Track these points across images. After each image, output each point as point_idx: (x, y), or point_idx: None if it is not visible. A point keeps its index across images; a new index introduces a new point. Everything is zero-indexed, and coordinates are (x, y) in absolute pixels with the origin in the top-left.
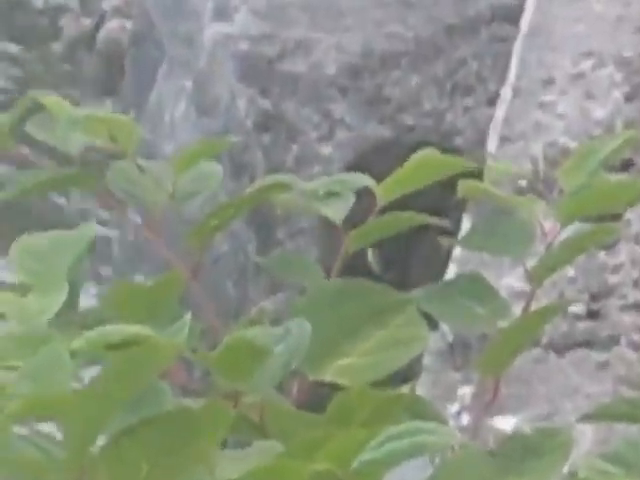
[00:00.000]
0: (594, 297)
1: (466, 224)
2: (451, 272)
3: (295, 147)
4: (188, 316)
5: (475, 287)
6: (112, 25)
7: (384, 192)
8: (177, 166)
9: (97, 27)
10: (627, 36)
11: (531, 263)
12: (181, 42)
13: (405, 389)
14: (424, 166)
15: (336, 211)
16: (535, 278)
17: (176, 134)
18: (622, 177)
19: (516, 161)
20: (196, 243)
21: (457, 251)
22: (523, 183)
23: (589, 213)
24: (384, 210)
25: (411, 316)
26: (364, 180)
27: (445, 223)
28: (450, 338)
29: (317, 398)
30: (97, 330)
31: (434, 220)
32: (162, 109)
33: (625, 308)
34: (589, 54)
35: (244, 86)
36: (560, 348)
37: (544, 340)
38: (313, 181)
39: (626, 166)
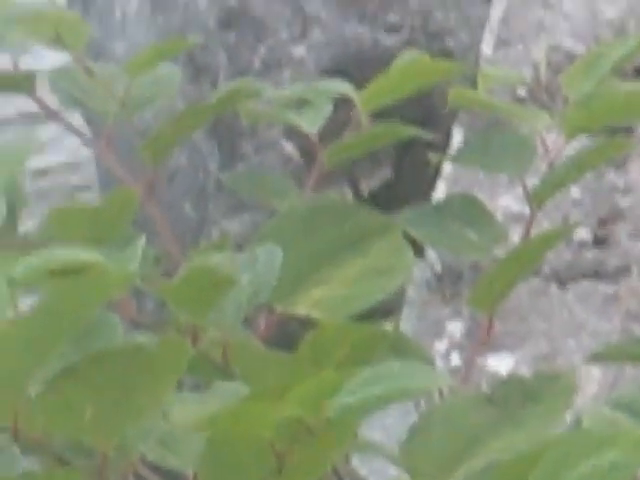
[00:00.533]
0: (602, 222)
1: (457, 138)
2: (440, 192)
3: (263, 48)
4: (141, 240)
5: (467, 209)
6: None
7: (365, 101)
8: (130, 70)
9: None
10: None
11: (531, 182)
12: None
13: (387, 324)
14: (410, 72)
15: (311, 122)
16: (536, 199)
17: (128, 32)
18: (635, 84)
19: (515, 66)
20: (150, 157)
21: (447, 168)
22: (523, 92)
23: (597, 125)
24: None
25: (395, 242)
26: (342, 87)
27: (433, 136)
28: (438, 267)
29: (287, 334)
30: (38, 254)
31: (421, 132)
32: (112, 3)
33: (637, 235)
34: None
35: None
36: (563, 279)
37: (545, 270)
38: (284, 87)
39: (639, 72)
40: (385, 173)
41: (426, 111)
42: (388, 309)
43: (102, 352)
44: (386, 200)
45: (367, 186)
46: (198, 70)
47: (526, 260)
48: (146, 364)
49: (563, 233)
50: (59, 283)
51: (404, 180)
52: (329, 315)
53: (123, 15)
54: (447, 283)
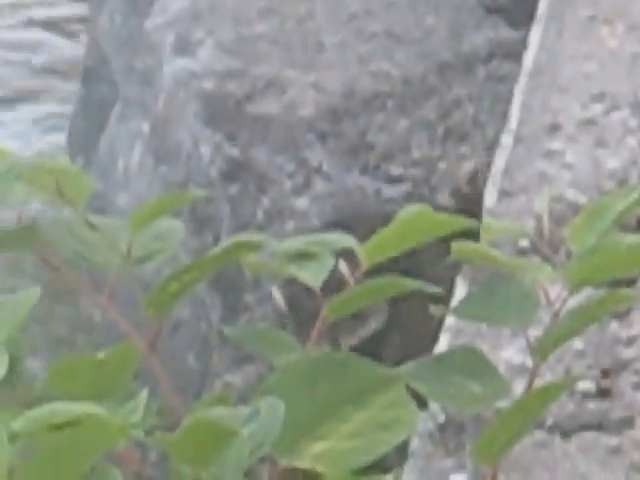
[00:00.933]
0: (605, 373)
1: (460, 290)
2: (443, 344)
3: (266, 200)
4: (144, 393)
5: (470, 362)
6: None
7: (368, 254)
8: (133, 223)
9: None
10: None
11: (534, 334)
12: (137, 80)
13: (390, 477)
14: (413, 225)
15: (314, 275)
16: (539, 352)
17: (131, 184)
18: (637, 237)
19: (518, 218)
20: (154, 311)
21: (450, 320)
22: (525, 243)
23: (600, 278)
24: (368, 273)
25: (397, 395)
26: (346, 240)
27: (436, 289)
28: (441, 419)
29: None
30: (40, 408)
31: (424, 286)
32: (115, 156)
33: None
34: (601, 96)
35: (209, 130)
36: (566, 431)
37: (548, 422)
38: (287, 240)
39: None
40: (368, 330)
41: (419, 262)
42: (392, 461)
43: None
44: (377, 352)
45: (346, 345)
46: (201, 222)
47: (529, 412)
48: None
49: (566, 385)
50: (57, 435)
51: (400, 331)
52: (332, 468)
53: (126, 167)
54: (450, 434)
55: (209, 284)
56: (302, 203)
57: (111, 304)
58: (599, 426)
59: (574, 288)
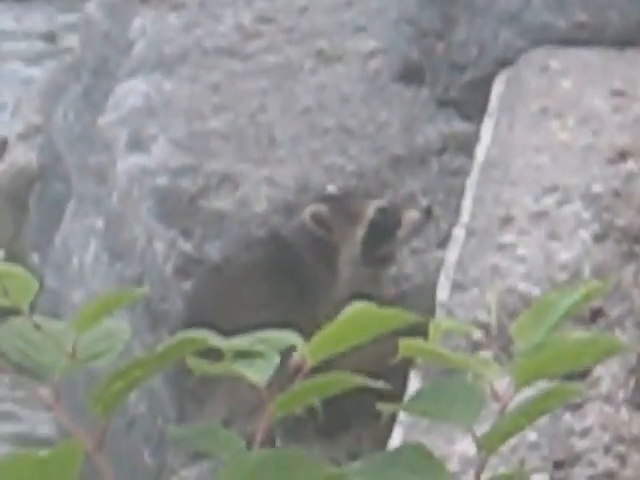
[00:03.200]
0: (559, 465)
1: (414, 383)
2: (397, 438)
3: None
4: None
5: (418, 459)
6: (15, 156)
7: (313, 352)
8: (78, 323)
9: None
10: (596, 168)
11: (484, 429)
12: (91, 177)
13: None
14: (359, 321)
15: (259, 373)
16: (486, 446)
17: (86, 281)
18: (585, 332)
19: (470, 311)
20: (100, 410)
21: (403, 414)
22: (479, 336)
23: (548, 374)
24: (315, 369)
25: None
26: (290, 338)
27: (386, 385)
28: None
29: None
30: None
31: (371, 382)
32: (70, 252)
33: (594, 478)
34: (553, 189)
35: (163, 226)
36: None
37: None
38: (233, 338)
39: (595, 316)
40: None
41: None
42: None
43: None
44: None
45: None
46: (156, 318)
47: None
48: None
49: (513, 478)
50: None
51: (358, 426)
52: None
53: (81, 264)
54: None
55: (165, 379)
56: None
57: (57, 404)
58: None
59: (522, 383)
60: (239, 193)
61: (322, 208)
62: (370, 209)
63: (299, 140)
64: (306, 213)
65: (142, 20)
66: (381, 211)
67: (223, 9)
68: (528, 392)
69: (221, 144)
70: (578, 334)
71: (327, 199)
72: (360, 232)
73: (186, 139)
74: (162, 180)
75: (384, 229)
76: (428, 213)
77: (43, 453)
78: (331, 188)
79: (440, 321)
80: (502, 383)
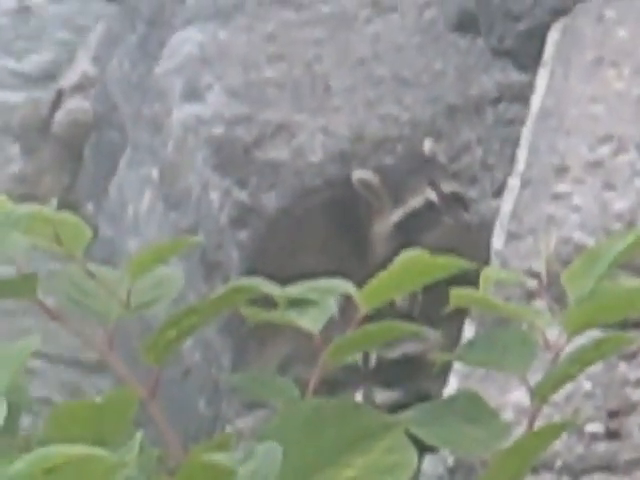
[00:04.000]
0: (614, 414)
1: (468, 332)
2: (452, 387)
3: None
4: (139, 435)
5: (471, 407)
6: (71, 106)
7: (366, 299)
8: (131, 271)
9: (54, 108)
10: None
11: (536, 378)
12: (146, 126)
13: None
14: (411, 269)
15: (313, 322)
16: (539, 394)
17: (141, 230)
18: (636, 281)
19: (525, 260)
20: (153, 358)
21: (457, 364)
22: (534, 285)
23: (599, 323)
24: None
25: (397, 440)
26: (344, 286)
27: (437, 335)
28: (450, 461)
29: None
30: (37, 452)
31: (421, 330)
32: (125, 202)
33: None
34: (608, 138)
35: (218, 176)
36: (576, 472)
37: (557, 463)
38: (288, 286)
39: None
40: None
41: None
42: None
43: None
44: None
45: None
46: (211, 268)
47: (527, 453)
48: None
49: (566, 426)
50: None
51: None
52: None
53: (135, 213)
54: (460, 477)
55: (219, 330)
56: None
57: (111, 351)
58: (608, 467)
59: (572, 332)
60: (294, 143)
61: (369, 175)
62: (419, 198)
63: (354, 90)
64: (355, 175)
65: None
66: (428, 205)
67: None
68: (581, 341)
69: (276, 94)
70: (629, 282)
71: (381, 170)
72: (397, 214)
73: (241, 88)
74: (217, 129)
75: (421, 222)
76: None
77: (98, 399)
78: (428, 144)
79: (490, 271)
80: (554, 332)
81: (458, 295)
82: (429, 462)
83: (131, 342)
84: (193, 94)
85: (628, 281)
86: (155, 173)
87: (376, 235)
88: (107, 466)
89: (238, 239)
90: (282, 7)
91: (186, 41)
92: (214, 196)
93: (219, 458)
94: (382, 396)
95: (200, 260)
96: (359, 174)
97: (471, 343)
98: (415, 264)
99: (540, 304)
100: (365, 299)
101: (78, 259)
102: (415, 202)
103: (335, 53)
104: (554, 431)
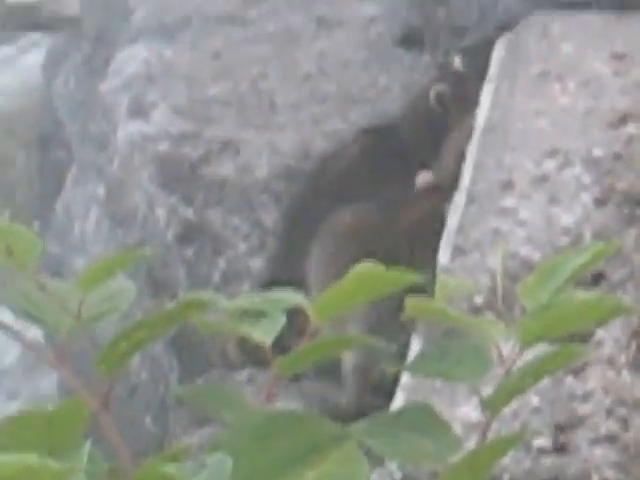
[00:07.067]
0: (561, 428)
1: (415, 346)
2: (399, 401)
3: (222, 261)
4: (87, 444)
5: (423, 420)
6: None
7: (318, 312)
8: (82, 284)
9: None
10: (597, 132)
11: (489, 391)
12: (92, 143)
13: None
14: (364, 282)
15: (264, 333)
16: (490, 407)
17: (87, 248)
18: (590, 294)
19: (472, 275)
20: (105, 370)
21: (405, 378)
22: (480, 300)
23: (553, 335)
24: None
25: (349, 452)
26: (295, 298)
27: (389, 346)
28: (398, 475)
29: None
30: None
31: (374, 342)
32: (71, 220)
33: (596, 441)
34: (554, 153)
35: (164, 193)
36: None
37: (505, 477)
38: (238, 298)
39: (597, 279)
40: None
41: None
42: None
43: None
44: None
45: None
46: (157, 285)
47: (477, 467)
48: None
49: (516, 440)
50: None
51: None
52: None
53: (82, 231)
54: None
55: (166, 346)
56: (258, 263)
57: (63, 364)
58: None
59: (526, 344)
60: (240, 159)
61: (444, 86)
62: None
63: (300, 106)
64: (433, 91)
65: None
66: None
67: None
68: (532, 354)
69: (222, 110)
70: (583, 295)
71: (449, 76)
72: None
73: (187, 105)
74: (163, 146)
75: None
76: None
77: (48, 409)
78: (457, 62)
79: (447, 280)
80: (507, 345)
81: (413, 305)
82: (377, 476)
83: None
84: (139, 111)
85: (580, 294)
86: (101, 191)
87: (450, 149)
88: (53, 474)
89: (184, 256)
90: (227, 24)
91: (131, 58)
92: (160, 213)
93: (170, 470)
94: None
95: (147, 277)
96: (437, 87)
97: (423, 354)
98: (368, 278)
99: (490, 317)
100: (317, 312)
101: (29, 271)
102: None
103: (281, 70)
104: (504, 445)
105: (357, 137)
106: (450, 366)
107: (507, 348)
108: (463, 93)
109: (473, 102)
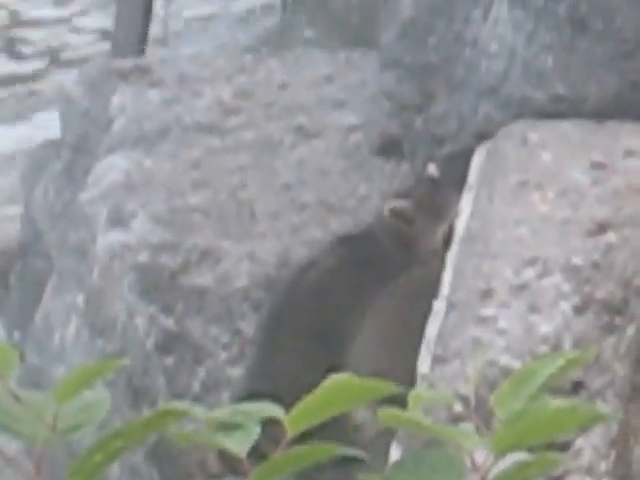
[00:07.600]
0: None
1: (394, 455)
2: None
3: (202, 370)
4: None
5: None
6: None
7: (293, 423)
8: (59, 395)
9: None
10: (576, 240)
11: None
12: (71, 253)
13: None
14: (338, 392)
15: (239, 444)
16: None
17: (67, 357)
18: (565, 402)
19: (452, 383)
20: None
21: None
22: (459, 408)
23: (527, 443)
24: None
25: None
26: (271, 410)
27: (361, 454)
28: None
29: None
30: None
31: (350, 451)
32: (51, 329)
33: None
34: (533, 261)
35: (143, 302)
36: None
37: None
38: (214, 409)
39: (576, 388)
40: None
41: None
42: None
43: None
44: None
45: None
46: (137, 394)
47: None
48: None
49: None
50: None
51: None
52: None
53: (62, 340)
54: None
55: (145, 455)
56: (237, 373)
57: (39, 475)
58: None
59: (500, 453)
60: (219, 268)
61: (402, 203)
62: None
63: (279, 215)
64: (386, 208)
65: (122, 97)
66: None
67: (202, 85)
68: (506, 463)
69: (201, 220)
70: (558, 403)
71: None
72: (442, 229)
73: (166, 215)
74: (142, 256)
75: None
76: None
77: None
78: (432, 169)
79: (420, 392)
80: (481, 454)
81: (386, 415)
82: None
83: (56, 469)
84: (118, 221)
85: (555, 402)
86: (81, 300)
87: (430, 253)
88: None
89: (164, 365)
90: (206, 134)
91: (111, 168)
92: (140, 322)
93: None
94: None
95: (126, 386)
96: (390, 204)
97: (398, 464)
98: (342, 388)
99: (467, 427)
100: (292, 422)
101: (6, 383)
102: None
103: (260, 179)
104: None
105: (334, 247)
106: (424, 476)
107: (481, 457)
108: (432, 201)
109: (445, 209)
